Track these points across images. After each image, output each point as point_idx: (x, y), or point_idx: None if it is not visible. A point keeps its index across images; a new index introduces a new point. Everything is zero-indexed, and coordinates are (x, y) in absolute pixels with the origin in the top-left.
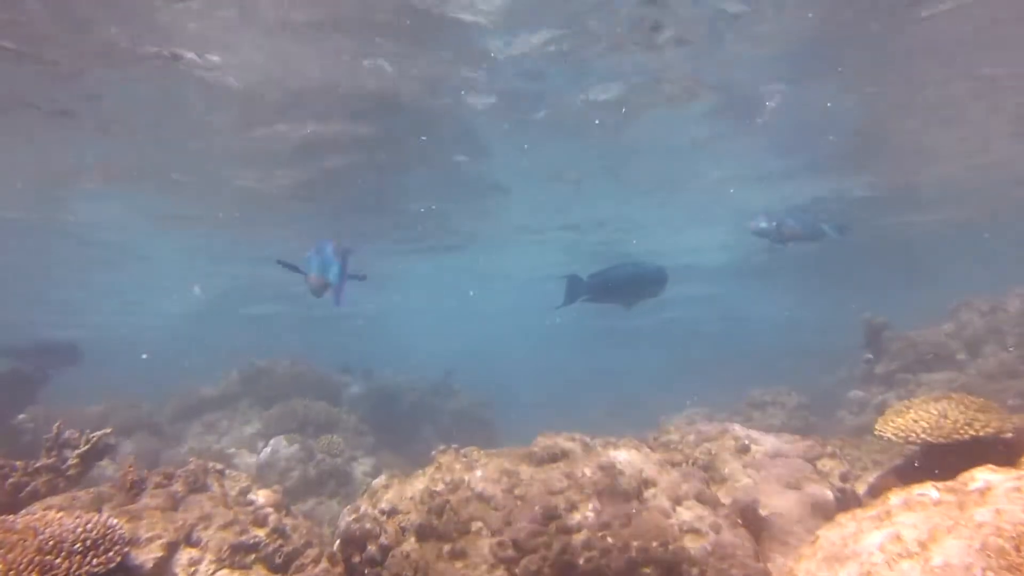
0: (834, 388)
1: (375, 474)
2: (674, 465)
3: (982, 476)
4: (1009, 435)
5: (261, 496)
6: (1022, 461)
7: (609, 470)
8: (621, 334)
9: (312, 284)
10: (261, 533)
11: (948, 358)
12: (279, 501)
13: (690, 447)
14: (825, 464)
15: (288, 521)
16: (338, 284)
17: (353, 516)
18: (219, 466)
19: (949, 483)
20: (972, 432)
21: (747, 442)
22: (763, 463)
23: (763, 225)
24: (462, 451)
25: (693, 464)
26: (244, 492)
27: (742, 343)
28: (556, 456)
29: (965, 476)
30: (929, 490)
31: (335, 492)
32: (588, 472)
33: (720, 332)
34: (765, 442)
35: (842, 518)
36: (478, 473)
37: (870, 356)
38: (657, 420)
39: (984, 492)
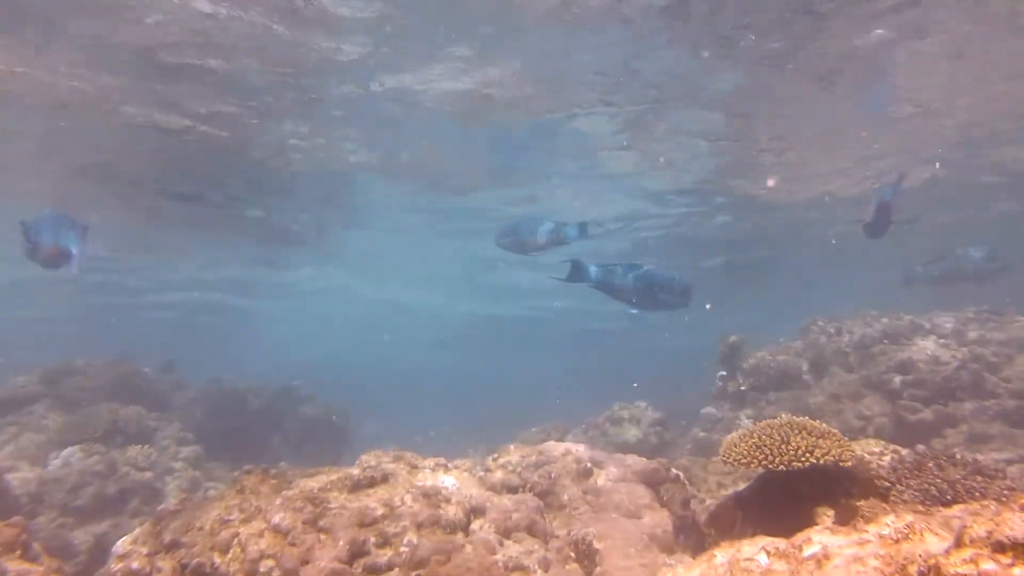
0: (693, 403)
1: (193, 489)
2: (510, 490)
3: (819, 539)
4: (849, 463)
5: None
6: (860, 508)
7: (434, 497)
8: (526, 339)
9: (45, 253)
10: None
11: (796, 377)
12: (12, 538)
13: (530, 470)
14: (668, 489)
15: (15, 565)
16: (74, 251)
17: (120, 552)
18: None
19: (782, 546)
20: (812, 459)
21: (590, 465)
22: (604, 489)
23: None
24: (272, 471)
25: (531, 490)
26: None
27: (633, 354)
28: (375, 480)
29: (801, 537)
30: (759, 554)
31: (138, 511)
32: (409, 500)
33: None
34: (609, 465)
35: None
36: (277, 501)
37: (724, 373)
38: (517, 433)
39: (821, 561)
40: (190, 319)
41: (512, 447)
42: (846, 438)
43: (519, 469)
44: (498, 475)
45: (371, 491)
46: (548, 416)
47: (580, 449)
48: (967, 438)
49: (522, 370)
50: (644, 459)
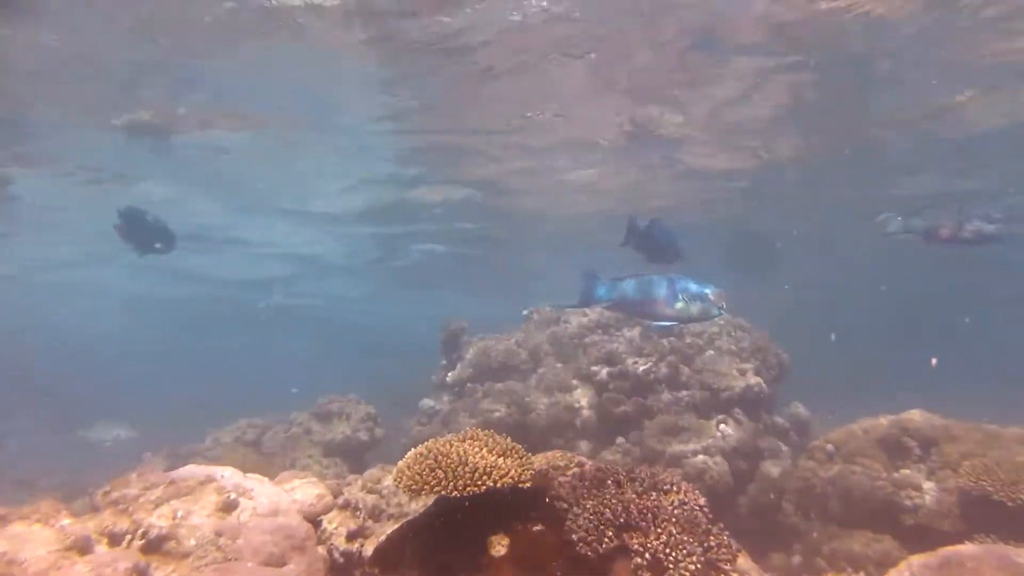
0: (415, 394)
1: None
2: (112, 540)
3: None
4: (528, 484)
5: None
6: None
7: None
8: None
9: None
10: None
11: (516, 368)
12: None
13: (149, 507)
14: (333, 520)
15: None
16: None
17: None
18: None
19: None
20: (490, 483)
21: (235, 496)
22: (245, 527)
23: None
24: None
25: (144, 536)
26: None
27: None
28: None
29: None
30: None
31: None
32: None
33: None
34: (262, 495)
35: None
36: None
37: (445, 362)
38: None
39: None
40: None
41: (134, 476)
42: (529, 454)
43: (137, 506)
44: (104, 517)
45: None
46: (262, 405)
47: (226, 476)
48: (661, 430)
49: (235, 352)
50: (312, 482)
